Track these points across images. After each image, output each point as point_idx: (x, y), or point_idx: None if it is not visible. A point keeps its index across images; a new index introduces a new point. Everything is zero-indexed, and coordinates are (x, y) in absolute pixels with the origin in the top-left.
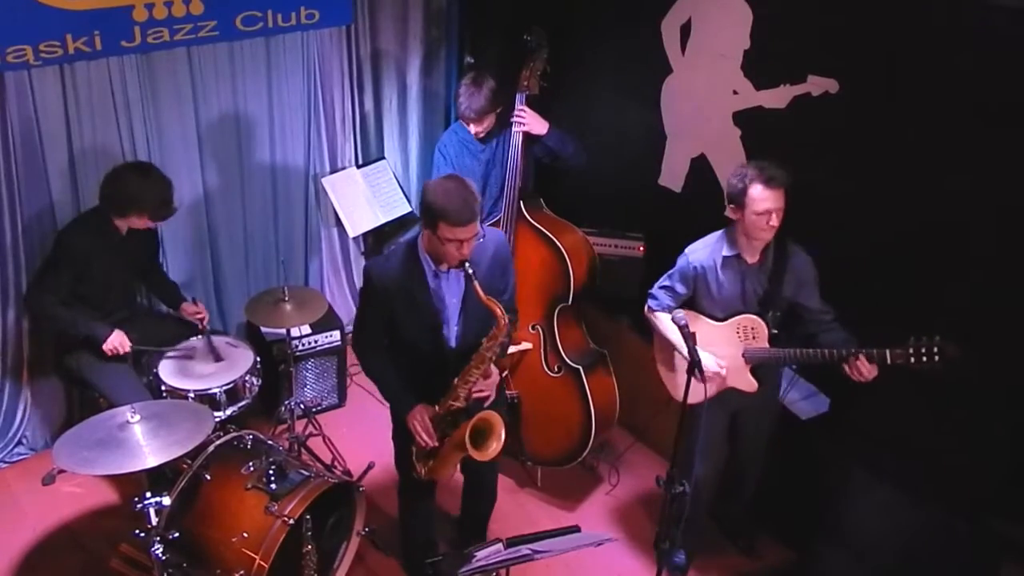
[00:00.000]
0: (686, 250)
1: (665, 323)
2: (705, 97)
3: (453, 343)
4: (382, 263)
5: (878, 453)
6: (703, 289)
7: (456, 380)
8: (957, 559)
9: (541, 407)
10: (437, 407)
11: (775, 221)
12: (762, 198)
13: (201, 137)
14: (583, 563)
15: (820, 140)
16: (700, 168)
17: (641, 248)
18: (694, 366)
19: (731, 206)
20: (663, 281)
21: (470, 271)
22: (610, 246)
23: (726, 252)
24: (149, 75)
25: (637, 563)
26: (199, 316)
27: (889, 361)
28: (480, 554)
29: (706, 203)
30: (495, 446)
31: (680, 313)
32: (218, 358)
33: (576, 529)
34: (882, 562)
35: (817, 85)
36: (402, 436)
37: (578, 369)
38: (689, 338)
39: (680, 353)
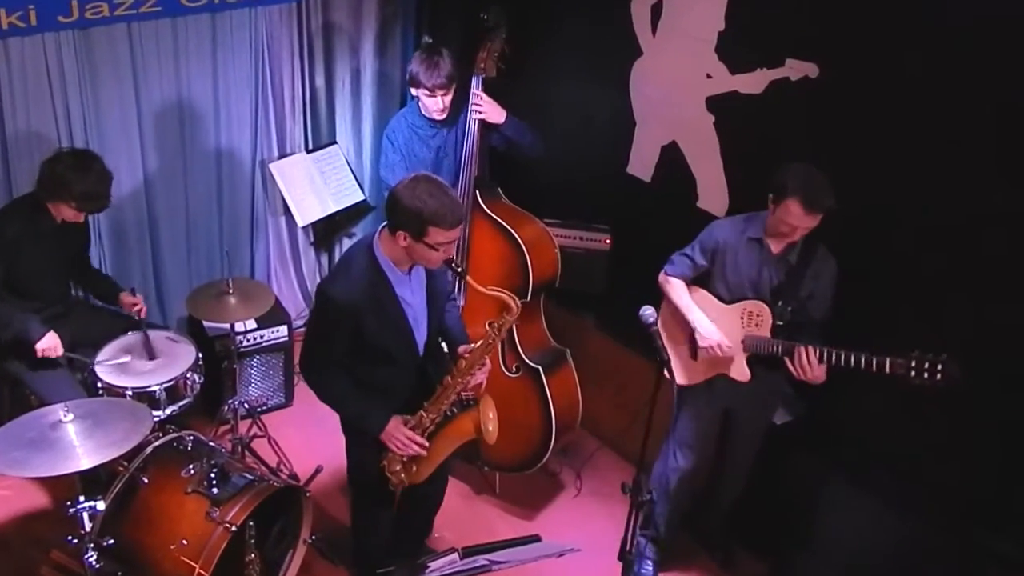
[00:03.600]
0: (714, 222)
1: (677, 290)
2: (677, 81)
3: (421, 347)
4: (343, 282)
5: (857, 461)
6: (719, 266)
7: (448, 379)
8: (939, 573)
9: (499, 409)
10: (423, 412)
11: (799, 235)
12: (796, 214)
13: (142, 120)
14: (544, 575)
15: (799, 128)
16: (671, 156)
17: (607, 241)
18: (661, 365)
19: (770, 195)
20: (684, 249)
21: (459, 268)
22: (574, 238)
23: (751, 234)
24: (87, 53)
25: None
26: (136, 307)
27: (888, 370)
28: (434, 565)
29: (677, 193)
30: (495, 424)
31: (649, 310)
32: (152, 356)
33: (537, 538)
34: None
35: (796, 69)
36: (367, 451)
37: (538, 369)
38: (657, 336)
39: (687, 319)
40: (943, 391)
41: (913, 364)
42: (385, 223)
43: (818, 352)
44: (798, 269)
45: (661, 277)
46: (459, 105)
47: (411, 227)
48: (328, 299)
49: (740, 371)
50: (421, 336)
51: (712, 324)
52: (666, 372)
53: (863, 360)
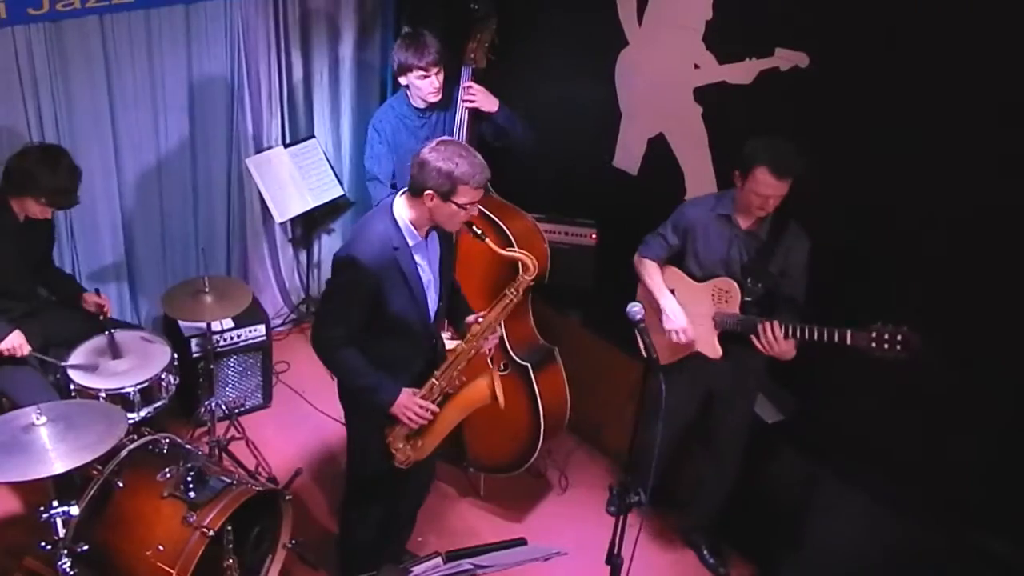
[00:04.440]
0: (685, 201)
1: (650, 271)
2: (664, 72)
3: (432, 314)
4: (364, 247)
5: (848, 461)
6: (691, 244)
7: (462, 344)
8: (932, 574)
9: (485, 408)
10: (435, 380)
11: (771, 206)
12: (766, 183)
13: (114, 114)
14: None
15: (789, 119)
16: (658, 149)
17: (594, 236)
18: (649, 363)
19: (736, 171)
20: (658, 229)
21: (479, 231)
22: (560, 233)
23: (720, 210)
24: (58, 46)
25: None
26: (100, 307)
27: (849, 342)
28: (417, 569)
29: (665, 187)
30: (502, 391)
31: (637, 307)
32: (116, 355)
33: (522, 542)
34: None
35: (786, 59)
36: (374, 433)
37: (526, 367)
38: (644, 332)
39: (658, 303)
40: (910, 366)
41: (874, 336)
42: (403, 189)
43: (782, 327)
44: (768, 245)
45: (636, 258)
46: (448, 93)
47: (441, 186)
48: (348, 267)
49: (712, 348)
50: (433, 304)
51: (680, 308)
52: (642, 349)
53: (825, 333)
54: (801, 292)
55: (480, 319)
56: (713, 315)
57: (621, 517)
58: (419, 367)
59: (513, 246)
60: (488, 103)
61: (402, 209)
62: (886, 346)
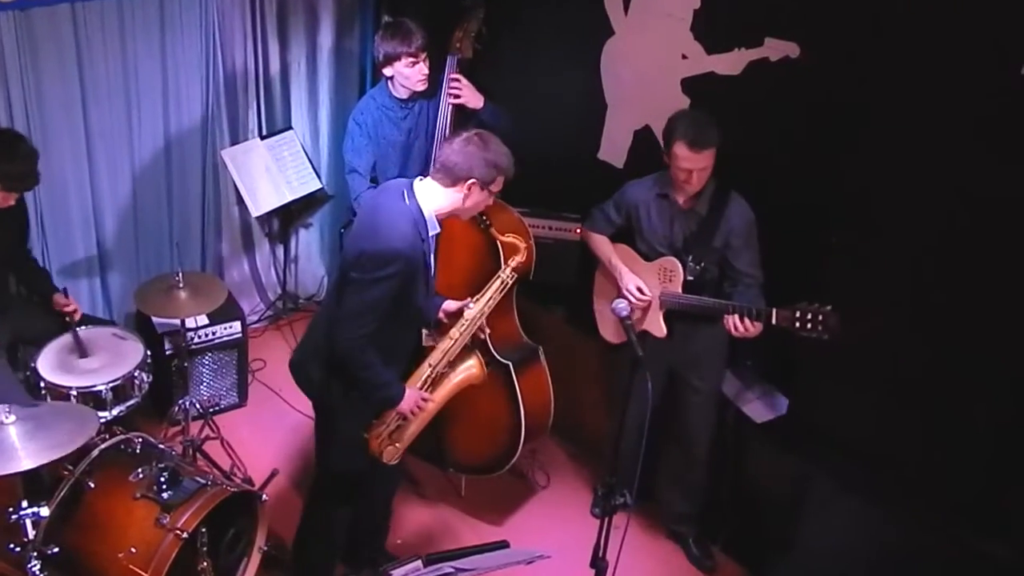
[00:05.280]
0: (629, 182)
1: (597, 242)
2: (650, 62)
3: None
4: (403, 241)
5: (841, 461)
6: (636, 224)
7: (455, 331)
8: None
9: (466, 408)
10: (429, 364)
11: (695, 181)
12: (684, 156)
13: (86, 105)
14: None
15: (779, 111)
16: (645, 141)
17: (578, 231)
18: (635, 362)
19: (663, 150)
20: (601, 204)
21: (487, 221)
22: (544, 228)
23: (659, 190)
24: (28, 35)
25: None
26: (69, 309)
27: (774, 322)
28: (396, 573)
29: None
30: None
31: (623, 303)
32: (83, 354)
33: (505, 544)
34: None
35: (775, 49)
36: (356, 427)
37: (507, 365)
38: (630, 330)
39: (610, 266)
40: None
41: (797, 315)
42: (418, 177)
43: (714, 304)
44: (709, 220)
45: (581, 231)
46: (432, 82)
47: (486, 176)
48: (396, 258)
49: (657, 327)
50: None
51: (633, 275)
52: (632, 345)
53: (754, 312)
54: (750, 263)
55: (471, 304)
56: (659, 294)
57: (606, 519)
58: (410, 358)
59: (498, 245)
60: (474, 99)
61: (430, 198)
62: (808, 325)
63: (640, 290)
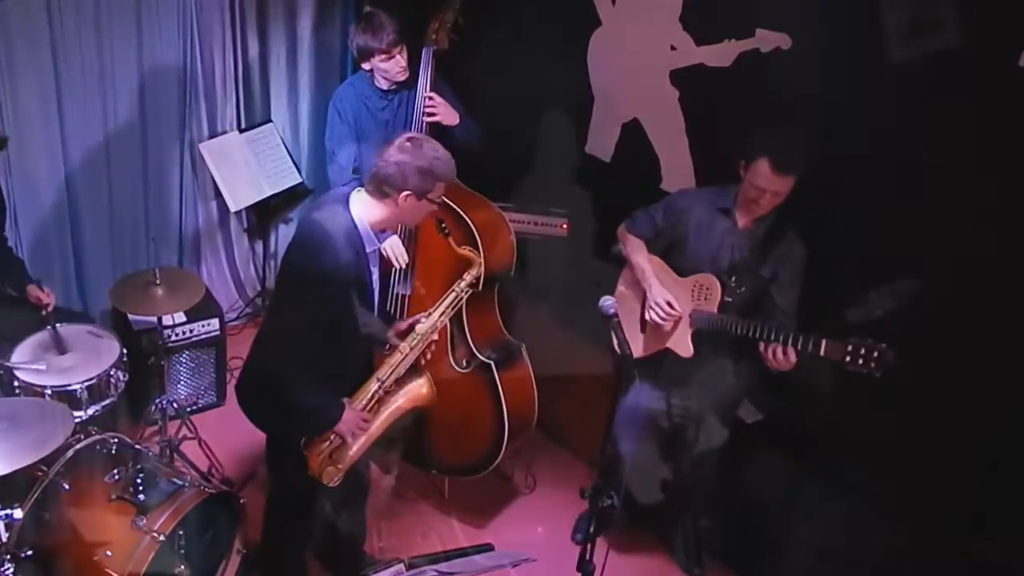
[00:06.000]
0: (680, 189)
1: (635, 247)
2: (638, 53)
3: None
4: (334, 258)
5: (836, 463)
6: (680, 233)
7: (405, 346)
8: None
9: (448, 407)
10: (379, 381)
11: (765, 204)
12: (764, 175)
13: (61, 97)
14: None
15: (770, 104)
16: (632, 135)
17: (564, 226)
18: (622, 361)
19: (742, 160)
20: (649, 208)
21: (446, 229)
22: (529, 224)
23: (720, 204)
24: (2, 26)
25: None
26: (45, 302)
27: (823, 353)
28: None
29: (639, 174)
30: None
31: (610, 300)
32: (62, 351)
33: (489, 547)
34: None
35: (766, 40)
36: (296, 461)
37: (490, 364)
38: (618, 327)
39: (641, 282)
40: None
41: (849, 349)
42: (355, 189)
43: (752, 329)
44: (763, 246)
45: (620, 230)
46: (412, 72)
47: (421, 185)
48: (323, 281)
49: (684, 346)
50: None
51: (663, 288)
52: (615, 345)
53: (800, 340)
54: (791, 301)
55: (423, 319)
56: (691, 312)
57: (593, 522)
58: (357, 378)
59: (476, 238)
60: (449, 116)
61: (364, 212)
62: (860, 361)
63: (670, 304)
